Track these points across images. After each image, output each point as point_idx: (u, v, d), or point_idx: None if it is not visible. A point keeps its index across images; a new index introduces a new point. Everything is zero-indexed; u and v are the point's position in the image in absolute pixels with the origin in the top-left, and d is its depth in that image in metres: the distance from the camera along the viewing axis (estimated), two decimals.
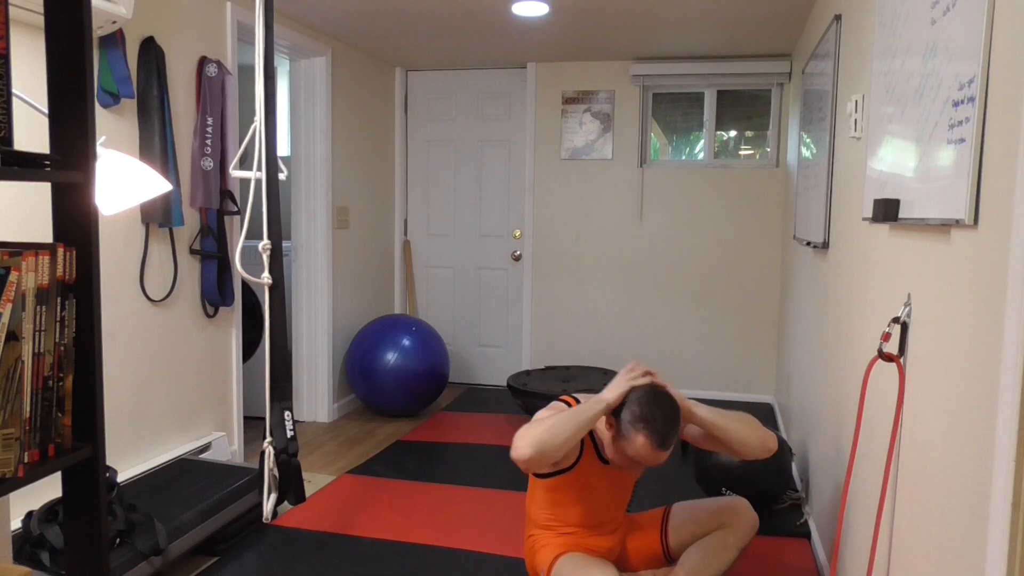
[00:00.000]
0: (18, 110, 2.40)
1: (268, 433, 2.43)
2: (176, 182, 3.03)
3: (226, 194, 3.28)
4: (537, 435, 1.92)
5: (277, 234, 2.39)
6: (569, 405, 2.18)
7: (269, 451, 2.42)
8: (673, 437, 2.02)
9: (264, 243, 2.38)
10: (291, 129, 4.41)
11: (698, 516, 2.34)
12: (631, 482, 2.35)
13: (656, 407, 2.02)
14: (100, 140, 2.18)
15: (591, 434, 2.23)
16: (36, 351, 1.15)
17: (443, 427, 4.36)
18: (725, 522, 2.29)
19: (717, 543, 2.26)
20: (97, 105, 2.74)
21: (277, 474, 2.44)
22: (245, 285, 4.08)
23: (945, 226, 1.40)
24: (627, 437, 2.03)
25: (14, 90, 2.21)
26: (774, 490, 3.03)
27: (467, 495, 3.33)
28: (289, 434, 2.45)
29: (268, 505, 2.43)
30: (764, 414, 4.57)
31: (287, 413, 2.46)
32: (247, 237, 4.90)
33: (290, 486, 2.47)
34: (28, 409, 1.15)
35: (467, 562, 2.69)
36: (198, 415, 3.31)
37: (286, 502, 2.48)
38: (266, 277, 2.38)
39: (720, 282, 4.95)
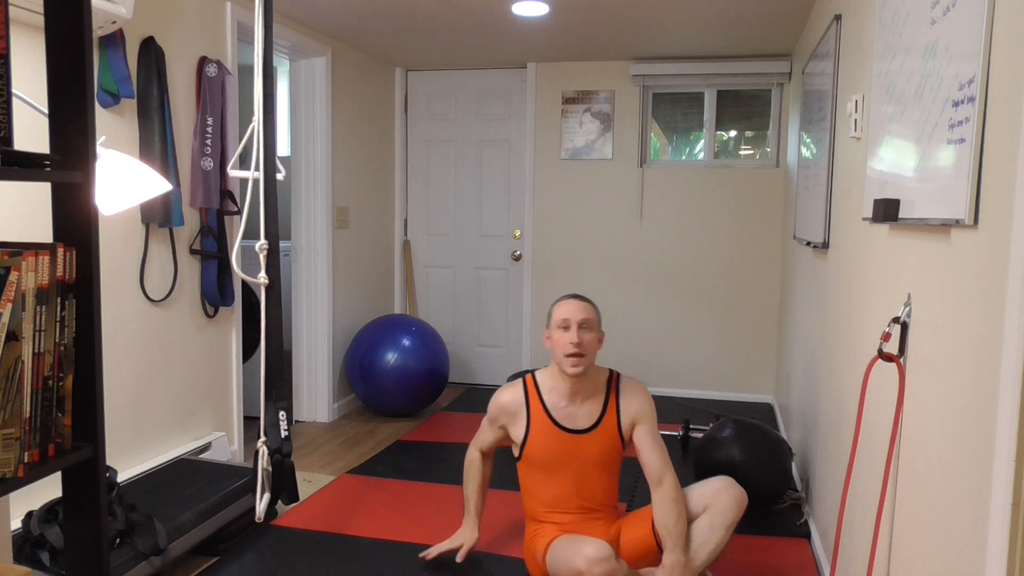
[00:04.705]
0: (18, 110, 2.40)
1: (262, 433, 2.43)
2: (176, 182, 3.03)
3: (226, 194, 3.28)
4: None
5: (274, 234, 2.39)
6: (524, 381, 2.48)
7: (263, 451, 2.42)
8: (584, 299, 2.40)
9: (261, 243, 2.38)
10: (291, 129, 4.41)
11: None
12: (606, 455, 2.40)
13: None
14: (100, 140, 2.18)
15: (542, 402, 2.43)
16: (36, 351, 1.15)
17: (443, 427, 4.35)
18: (709, 504, 2.31)
19: (704, 527, 2.29)
20: (97, 105, 2.74)
21: (271, 473, 2.44)
22: (245, 285, 4.08)
23: (945, 226, 1.40)
24: (552, 316, 2.39)
25: (14, 90, 2.21)
26: (774, 490, 3.03)
27: None
28: (283, 434, 2.45)
29: (261, 505, 2.43)
30: (764, 414, 4.57)
31: (282, 413, 2.46)
32: (245, 237, 4.90)
33: (283, 486, 2.47)
34: (28, 409, 1.15)
35: (467, 562, 2.69)
36: (198, 415, 3.31)
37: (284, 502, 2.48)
38: (262, 277, 2.38)
39: (720, 282, 4.95)
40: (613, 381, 2.45)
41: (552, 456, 2.40)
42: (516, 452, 2.49)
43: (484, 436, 2.60)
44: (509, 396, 2.47)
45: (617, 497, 2.49)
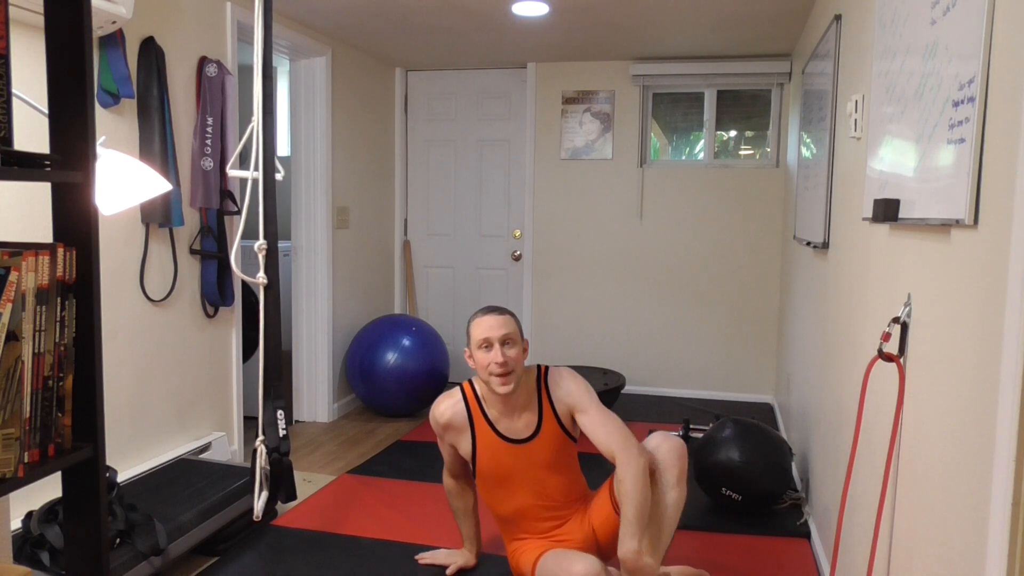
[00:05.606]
0: (18, 110, 2.40)
1: (260, 432, 2.43)
2: (176, 182, 3.03)
3: (226, 194, 3.28)
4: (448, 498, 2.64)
5: (273, 234, 2.39)
6: (463, 391, 2.41)
7: (261, 450, 2.42)
8: (501, 311, 2.30)
9: (260, 243, 2.38)
10: (291, 129, 4.41)
11: None
12: (557, 456, 2.37)
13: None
14: (100, 140, 2.18)
15: (485, 415, 2.37)
16: (36, 351, 1.15)
17: None
18: (652, 468, 2.29)
19: (655, 493, 2.27)
20: (97, 105, 2.74)
21: (269, 472, 2.44)
22: (246, 285, 4.08)
23: (945, 226, 1.40)
24: (471, 336, 2.29)
25: (14, 90, 2.21)
26: (774, 490, 3.03)
27: None
28: (281, 433, 2.45)
29: (259, 503, 2.44)
30: (764, 414, 4.57)
31: (280, 412, 2.46)
32: (244, 236, 4.90)
33: (281, 484, 2.47)
34: (28, 409, 1.15)
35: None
36: (198, 415, 3.31)
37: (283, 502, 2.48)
38: (261, 277, 2.38)
39: (720, 282, 4.95)
40: (542, 379, 2.38)
41: (504, 469, 2.36)
42: (471, 468, 2.45)
43: (444, 457, 2.54)
44: (449, 412, 2.40)
45: (582, 488, 2.46)
